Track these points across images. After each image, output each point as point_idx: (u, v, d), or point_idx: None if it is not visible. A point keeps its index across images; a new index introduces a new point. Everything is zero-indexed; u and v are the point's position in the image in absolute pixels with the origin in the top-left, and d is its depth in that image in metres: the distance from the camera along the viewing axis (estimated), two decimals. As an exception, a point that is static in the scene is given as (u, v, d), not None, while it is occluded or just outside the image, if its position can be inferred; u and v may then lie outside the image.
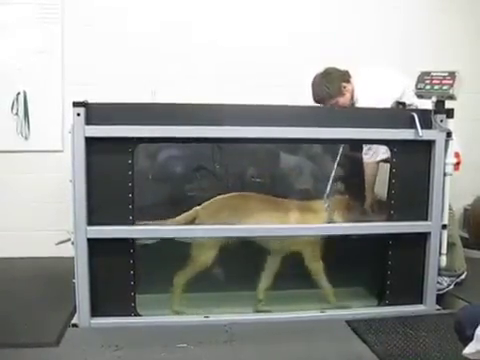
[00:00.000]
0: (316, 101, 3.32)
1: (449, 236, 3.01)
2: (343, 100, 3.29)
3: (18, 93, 3.90)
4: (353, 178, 3.40)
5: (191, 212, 3.00)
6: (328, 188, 3.19)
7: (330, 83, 3.27)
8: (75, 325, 2.75)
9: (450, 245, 3.04)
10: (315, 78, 3.34)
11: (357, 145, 3.31)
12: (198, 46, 3.96)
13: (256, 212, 3.01)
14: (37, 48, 3.93)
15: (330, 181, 3.22)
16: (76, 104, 2.63)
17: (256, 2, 4.07)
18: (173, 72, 3.90)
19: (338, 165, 3.27)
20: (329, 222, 3.06)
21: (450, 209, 3.06)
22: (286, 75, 3.90)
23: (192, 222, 2.98)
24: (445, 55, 3.98)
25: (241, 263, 3.05)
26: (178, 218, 2.98)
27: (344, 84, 3.29)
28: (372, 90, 3.17)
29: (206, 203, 3.03)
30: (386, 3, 4.19)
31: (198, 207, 3.01)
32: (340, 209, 3.11)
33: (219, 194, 3.08)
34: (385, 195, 3.03)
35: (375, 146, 3.19)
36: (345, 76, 3.32)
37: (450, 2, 4.27)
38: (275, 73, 3.93)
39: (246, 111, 2.79)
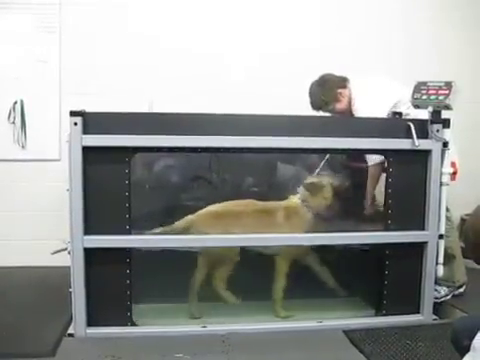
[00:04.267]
0: (314, 108, 3.33)
1: (449, 248, 3.01)
2: (340, 105, 3.30)
3: (15, 102, 3.90)
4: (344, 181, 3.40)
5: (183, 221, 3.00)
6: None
7: (326, 91, 3.29)
8: (71, 335, 2.74)
9: (450, 257, 3.03)
10: (312, 86, 3.35)
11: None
12: (196, 57, 3.96)
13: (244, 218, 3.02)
14: (35, 57, 3.94)
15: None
16: (73, 113, 2.64)
17: (255, 14, 4.08)
18: (170, 82, 3.91)
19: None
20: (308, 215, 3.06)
21: (449, 220, 3.06)
22: (285, 85, 3.90)
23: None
24: (447, 65, 3.99)
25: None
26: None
27: (340, 90, 3.30)
28: (365, 100, 3.17)
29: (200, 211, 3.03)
30: (388, 14, 4.20)
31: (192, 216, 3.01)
32: (317, 196, 3.07)
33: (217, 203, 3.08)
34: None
35: None
36: (341, 82, 3.33)
37: (452, 13, 4.29)
38: (274, 84, 3.94)
39: (242, 121, 2.80)
